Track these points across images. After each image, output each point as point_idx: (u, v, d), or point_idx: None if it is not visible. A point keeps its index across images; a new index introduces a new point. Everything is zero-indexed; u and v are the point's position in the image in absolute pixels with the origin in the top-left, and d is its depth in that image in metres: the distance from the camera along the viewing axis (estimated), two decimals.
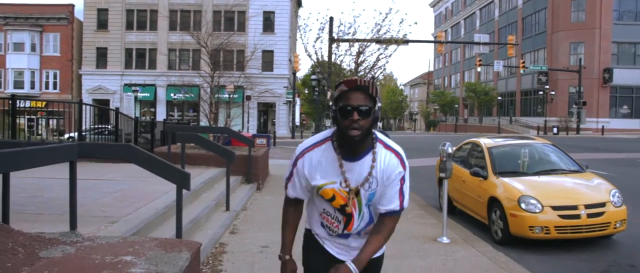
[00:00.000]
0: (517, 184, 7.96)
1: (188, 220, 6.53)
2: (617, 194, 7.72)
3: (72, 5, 49.43)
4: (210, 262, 5.67)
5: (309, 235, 2.99)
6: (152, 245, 4.68)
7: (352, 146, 2.57)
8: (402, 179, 2.71)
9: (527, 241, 7.52)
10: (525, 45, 61.22)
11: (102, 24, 48.68)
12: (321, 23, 22.75)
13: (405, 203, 2.75)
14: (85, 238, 4.81)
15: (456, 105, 78.54)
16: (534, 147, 9.52)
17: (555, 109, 53.50)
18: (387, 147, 2.67)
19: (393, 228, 2.80)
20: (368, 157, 2.62)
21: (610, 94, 53.34)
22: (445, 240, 7.35)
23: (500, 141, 9.76)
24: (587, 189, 7.92)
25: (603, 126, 49.31)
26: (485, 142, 9.50)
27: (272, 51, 48.03)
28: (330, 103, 2.58)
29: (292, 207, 2.93)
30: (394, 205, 2.71)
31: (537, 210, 7.35)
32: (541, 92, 55.12)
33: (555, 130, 48.64)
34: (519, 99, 63.54)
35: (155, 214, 6.31)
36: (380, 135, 2.71)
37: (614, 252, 7.40)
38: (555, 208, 7.36)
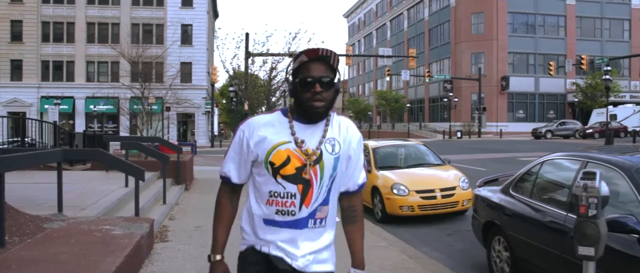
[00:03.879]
0: (392, 175, 10.32)
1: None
2: (465, 180, 10.24)
3: None
4: (159, 236, 7.60)
5: (246, 255, 2.43)
6: (120, 220, 6.65)
7: (313, 117, 2.33)
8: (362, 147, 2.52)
9: (399, 218, 9.87)
10: (432, 55, 65.47)
11: (16, 36, 48.37)
12: (237, 42, 24.83)
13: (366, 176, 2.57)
14: (69, 217, 6.70)
15: (370, 113, 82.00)
16: (409, 147, 11.99)
17: (459, 115, 57.66)
18: (339, 115, 2.47)
19: (362, 209, 2.61)
20: (322, 123, 2.37)
21: (508, 100, 58.24)
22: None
23: (382, 143, 12.18)
24: (443, 177, 10.41)
25: (501, 130, 53.68)
26: (371, 143, 11.85)
27: (190, 63, 49.21)
28: (288, 76, 2.42)
29: (228, 196, 2.48)
30: (363, 178, 2.52)
31: (405, 194, 9.73)
32: (446, 99, 59.27)
33: (459, 134, 52.47)
34: (428, 105, 67.57)
35: (112, 204, 8.18)
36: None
37: (461, 222, 9.90)
38: (418, 191, 9.78)
